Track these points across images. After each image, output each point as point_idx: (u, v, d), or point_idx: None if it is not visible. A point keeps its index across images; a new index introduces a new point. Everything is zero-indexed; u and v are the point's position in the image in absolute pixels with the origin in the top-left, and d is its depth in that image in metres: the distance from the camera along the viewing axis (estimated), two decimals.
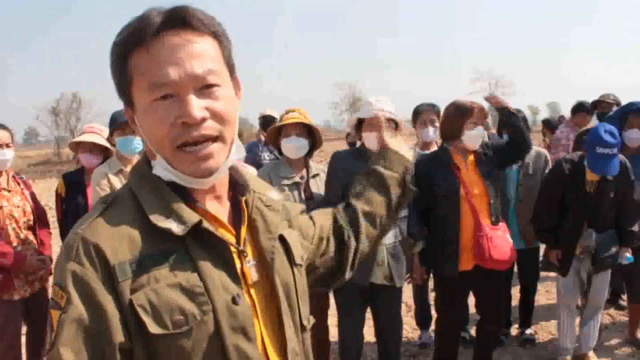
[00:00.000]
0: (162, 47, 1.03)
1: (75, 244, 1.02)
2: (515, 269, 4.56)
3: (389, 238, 3.38)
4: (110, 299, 0.98)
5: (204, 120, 1.04)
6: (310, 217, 1.50)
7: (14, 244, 3.57)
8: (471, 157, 3.60)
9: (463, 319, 3.91)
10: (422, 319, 4.80)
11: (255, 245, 1.18)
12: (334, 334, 3.89)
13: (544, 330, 4.88)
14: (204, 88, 1.05)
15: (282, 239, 1.23)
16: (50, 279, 4.02)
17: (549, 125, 8.44)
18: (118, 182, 3.54)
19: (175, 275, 1.03)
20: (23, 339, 3.84)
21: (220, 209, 1.17)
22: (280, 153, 3.66)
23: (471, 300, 3.87)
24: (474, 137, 3.51)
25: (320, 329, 3.72)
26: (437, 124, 4.40)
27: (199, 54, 1.05)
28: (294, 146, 3.52)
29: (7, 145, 3.70)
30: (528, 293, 4.70)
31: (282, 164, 3.60)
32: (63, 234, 4.08)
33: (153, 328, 0.99)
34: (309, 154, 3.66)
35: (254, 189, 1.23)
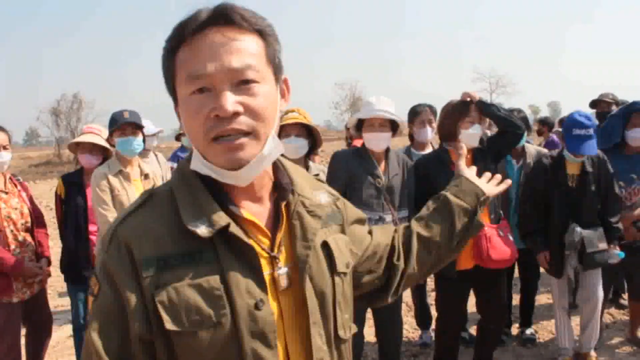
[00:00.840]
0: (203, 41, 1.05)
1: (109, 236, 1.08)
2: (516, 268, 4.56)
3: None
4: (134, 292, 1.02)
5: (237, 114, 1.04)
6: (370, 231, 1.48)
7: (12, 246, 3.56)
8: (468, 156, 3.58)
9: (463, 319, 3.91)
10: (422, 319, 4.80)
11: (291, 252, 1.17)
12: None
13: (544, 330, 4.87)
14: (242, 83, 1.05)
15: (325, 245, 1.21)
16: (49, 281, 4.03)
17: (546, 125, 8.47)
18: (117, 183, 3.54)
19: (199, 275, 1.04)
20: (22, 341, 3.84)
21: (260, 211, 1.16)
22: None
23: (471, 299, 3.86)
24: (470, 136, 3.50)
25: None
26: (435, 125, 4.42)
27: (238, 50, 1.05)
28: (293, 146, 3.51)
29: (5, 148, 3.69)
30: (529, 292, 4.69)
31: None
32: (63, 235, 4.08)
33: (169, 324, 1.02)
34: (309, 154, 3.66)
35: (300, 192, 1.21)
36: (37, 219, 3.79)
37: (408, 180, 3.52)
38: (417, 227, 1.52)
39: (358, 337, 3.53)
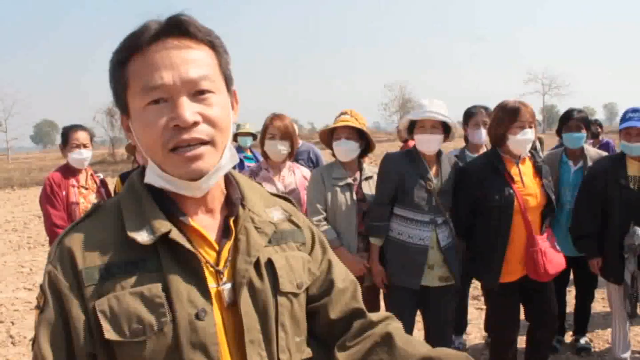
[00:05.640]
0: (157, 52, 1.04)
1: (55, 247, 1.07)
2: (571, 274, 4.46)
3: (445, 239, 3.37)
4: (76, 303, 1.01)
5: (196, 124, 1.04)
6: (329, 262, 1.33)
7: None
8: (529, 166, 3.51)
9: (518, 332, 3.78)
10: (458, 324, 4.71)
11: (233, 266, 1.13)
12: None
13: (600, 339, 4.74)
14: (198, 94, 1.05)
15: (270, 263, 1.17)
16: None
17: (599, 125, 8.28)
18: None
19: (141, 283, 1.03)
20: None
21: (210, 224, 1.15)
22: (333, 155, 3.68)
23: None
24: (520, 142, 3.36)
25: None
26: None
27: (194, 60, 1.06)
28: (342, 149, 3.54)
29: (85, 146, 4.01)
30: (584, 300, 4.56)
31: (335, 166, 3.63)
32: None
33: (110, 334, 0.99)
34: (362, 156, 3.67)
35: (250, 207, 1.19)
36: None
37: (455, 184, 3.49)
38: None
39: None
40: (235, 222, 1.16)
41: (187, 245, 1.05)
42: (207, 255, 1.11)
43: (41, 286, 1.05)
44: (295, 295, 1.20)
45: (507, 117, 3.37)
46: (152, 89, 1.03)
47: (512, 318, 3.60)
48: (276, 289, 1.16)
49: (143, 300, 1.02)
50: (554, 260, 3.38)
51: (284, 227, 1.24)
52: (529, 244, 3.37)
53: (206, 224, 1.14)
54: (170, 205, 1.10)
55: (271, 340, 1.13)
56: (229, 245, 1.14)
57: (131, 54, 1.06)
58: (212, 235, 1.14)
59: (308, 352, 1.23)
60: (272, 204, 1.26)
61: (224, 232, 1.16)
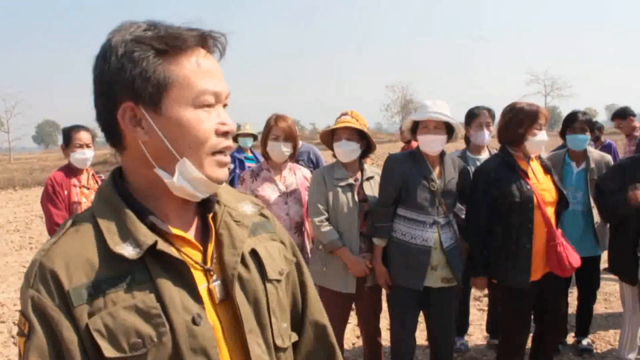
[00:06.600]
0: (208, 60, 1.09)
1: (33, 270, 1.02)
2: (573, 276, 4.44)
3: (448, 240, 3.37)
4: (68, 325, 0.98)
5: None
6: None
7: None
8: (537, 164, 3.52)
9: (528, 335, 3.74)
10: (461, 325, 4.70)
11: (220, 261, 1.16)
12: (385, 336, 3.88)
13: (602, 340, 4.73)
14: (224, 107, 1.14)
15: (254, 253, 1.21)
16: None
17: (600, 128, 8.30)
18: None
19: (133, 296, 1.01)
20: None
21: (189, 226, 1.17)
22: (334, 155, 3.68)
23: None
24: (537, 143, 3.39)
25: (372, 331, 3.73)
26: (492, 128, 4.36)
27: (223, 76, 1.13)
28: (343, 150, 3.54)
29: (87, 146, 4.05)
30: (586, 301, 4.55)
31: (336, 166, 3.63)
32: None
33: (109, 352, 0.98)
34: (364, 156, 3.67)
35: (225, 203, 1.23)
36: None
37: (463, 184, 3.49)
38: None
39: (410, 341, 3.53)
40: (214, 219, 1.20)
41: (176, 254, 1.07)
42: (193, 256, 1.13)
43: (23, 312, 1.01)
44: (279, 281, 1.26)
45: (528, 119, 3.38)
46: (206, 93, 1.07)
47: (525, 321, 3.58)
48: (264, 277, 1.21)
49: (139, 313, 1.01)
50: (572, 254, 3.37)
51: (256, 220, 1.29)
52: (550, 239, 3.36)
53: (185, 227, 1.16)
54: (146, 213, 1.09)
55: (265, 328, 1.18)
56: (212, 242, 1.17)
57: (174, 52, 1.05)
58: (192, 236, 1.16)
59: (294, 336, 1.31)
60: (242, 199, 1.31)
61: (204, 231, 1.19)
